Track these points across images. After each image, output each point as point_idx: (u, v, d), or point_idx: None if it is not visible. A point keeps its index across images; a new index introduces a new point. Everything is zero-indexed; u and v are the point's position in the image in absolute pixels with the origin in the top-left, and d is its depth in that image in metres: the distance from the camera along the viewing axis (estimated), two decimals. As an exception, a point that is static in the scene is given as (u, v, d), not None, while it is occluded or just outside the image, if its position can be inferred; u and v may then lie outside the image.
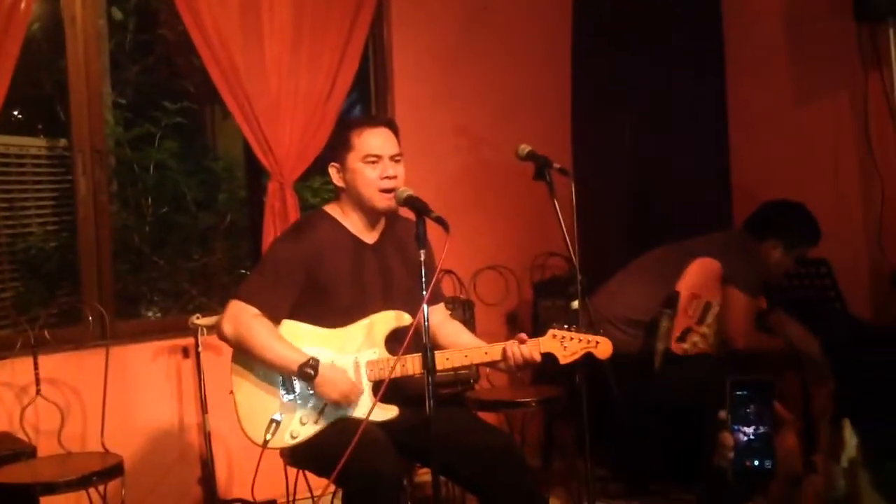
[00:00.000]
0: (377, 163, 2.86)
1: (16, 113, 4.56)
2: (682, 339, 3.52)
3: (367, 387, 2.84)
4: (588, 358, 2.84)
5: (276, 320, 2.83)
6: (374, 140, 2.89)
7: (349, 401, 2.79)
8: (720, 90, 4.85)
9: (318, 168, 4.26)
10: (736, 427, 1.49)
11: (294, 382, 2.82)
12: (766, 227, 3.86)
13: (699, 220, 4.56)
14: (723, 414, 1.50)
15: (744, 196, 4.67)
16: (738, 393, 1.50)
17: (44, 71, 4.44)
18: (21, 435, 3.51)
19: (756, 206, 3.99)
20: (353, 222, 2.95)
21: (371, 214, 2.93)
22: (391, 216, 3.01)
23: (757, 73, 4.71)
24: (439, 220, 2.57)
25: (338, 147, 2.94)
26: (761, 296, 3.90)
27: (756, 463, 1.47)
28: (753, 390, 1.50)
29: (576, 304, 2.98)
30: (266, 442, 2.78)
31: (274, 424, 2.78)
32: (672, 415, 3.62)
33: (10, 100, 3.61)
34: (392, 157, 2.89)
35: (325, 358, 2.79)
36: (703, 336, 3.41)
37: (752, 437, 1.48)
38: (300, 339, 2.83)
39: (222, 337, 2.83)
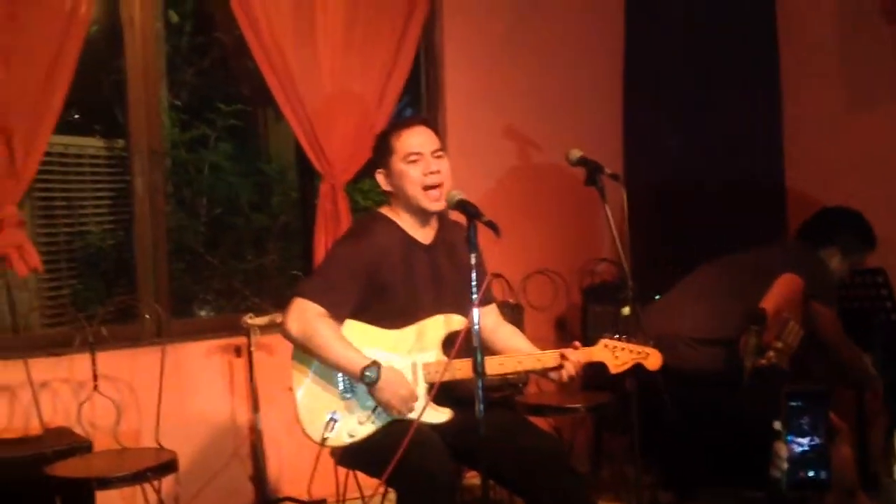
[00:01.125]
0: (419, 161, 2.89)
1: (75, 114, 4.63)
2: (760, 353, 3.50)
3: (422, 389, 2.84)
4: (638, 368, 2.84)
5: (340, 320, 2.83)
6: (413, 139, 2.92)
7: (409, 407, 2.79)
8: (775, 95, 4.78)
9: (368, 170, 4.27)
10: (790, 438, 1.47)
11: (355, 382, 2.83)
12: (823, 235, 3.79)
13: (752, 228, 4.51)
14: (777, 424, 1.48)
15: (798, 203, 4.60)
16: (792, 403, 1.48)
17: (102, 73, 4.50)
18: (78, 430, 3.58)
19: (811, 214, 3.93)
20: (407, 224, 2.97)
21: (421, 215, 2.95)
22: (442, 219, 3.03)
23: (812, 78, 4.65)
24: (490, 225, 2.58)
25: (381, 153, 2.98)
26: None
27: (811, 474, 1.45)
28: (808, 400, 1.48)
29: (626, 310, 2.98)
30: (325, 440, 2.79)
31: (332, 423, 2.79)
32: (746, 428, 3.59)
33: (70, 101, 3.68)
34: (433, 153, 2.91)
35: (383, 360, 2.78)
36: (777, 351, 3.39)
37: (806, 447, 1.46)
38: (360, 339, 2.83)
39: (287, 335, 2.81)
